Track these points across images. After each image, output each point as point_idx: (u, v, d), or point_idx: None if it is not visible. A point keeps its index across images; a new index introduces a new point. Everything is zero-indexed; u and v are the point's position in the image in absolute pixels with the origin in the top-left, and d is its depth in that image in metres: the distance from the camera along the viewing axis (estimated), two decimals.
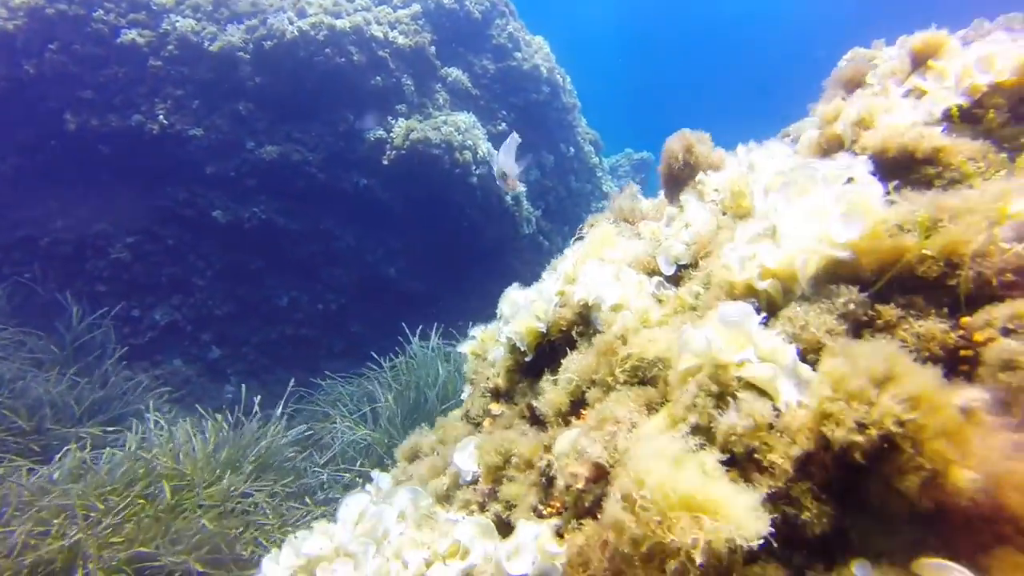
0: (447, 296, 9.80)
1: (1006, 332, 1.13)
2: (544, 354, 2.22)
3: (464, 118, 9.41)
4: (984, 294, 1.23)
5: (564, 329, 2.10)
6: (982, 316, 1.19)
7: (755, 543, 0.96)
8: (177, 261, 9.02)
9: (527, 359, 2.20)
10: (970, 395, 1.01)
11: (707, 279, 1.64)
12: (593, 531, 1.31)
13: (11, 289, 8.10)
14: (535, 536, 1.40)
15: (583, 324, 2.06)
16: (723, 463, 1.18)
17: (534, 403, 2.02)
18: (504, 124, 10.30)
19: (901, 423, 0.95)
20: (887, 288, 1.35)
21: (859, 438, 0.98)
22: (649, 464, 1.02)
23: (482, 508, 1.95)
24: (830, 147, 1.88)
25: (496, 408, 2.32)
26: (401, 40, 9.47)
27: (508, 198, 9.62)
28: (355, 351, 9.47)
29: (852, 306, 1.30)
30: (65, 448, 5.55)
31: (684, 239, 2.01)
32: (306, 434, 7.14)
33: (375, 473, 2.84)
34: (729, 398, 1.20)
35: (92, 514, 4.35)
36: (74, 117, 7.84)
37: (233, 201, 9.01)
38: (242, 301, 9.39)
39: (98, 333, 7.77)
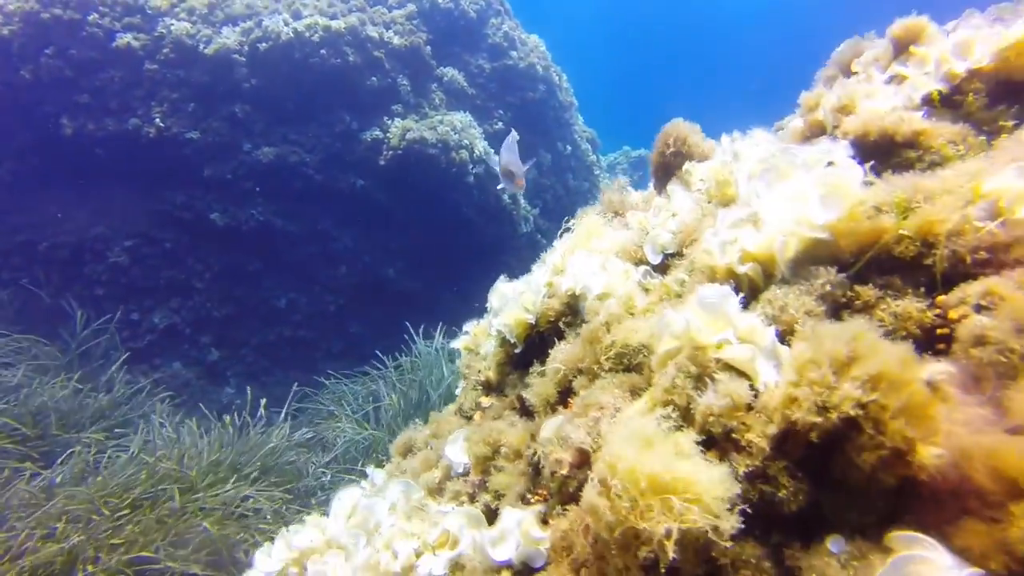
0: (445, 295, 9.81)
1: (978, 309, 1.14)
2: (534, 346, 2.23)
3: (460, 117, 9.42)
4: (959, 272, 1.23)
5: (553, 320, 2.11)
6: (957, 294, 1.20)
7: (726, 524, 0.96)
8: (175, 264, 9.04)
9: (517, 351, 2.21)
10: (936, 370, 1.02)
11: (691, 266, 1.64)
12: (576, 516, 1.31)
13: (12, 294, 8.13)
14: (518, 522, 1.40)
15: (571, 314, 2.07)
16: (702, 443, 1.19)
17: (523, 394, 2.02)
18: (500, 123, 10.31)
19: (861, 405, 0.96)
20: (866, 269, 1.36)
21: (819, 419, 0.99)
22: (621, 448, 1.03)
23: (472, 499, 1.96)
24: (813, 134, 1.89)
25: (486, 401, 2.33)
26: (396, 40, 9.49)
27: (506, 197, 9.62)
28: (354, 352, 9.48)
29: (830, 287, 1.30)
30: (68, 452, 5.58)
31: (671, 228, 2.02)
32: (307, 436, 7.16)
33: (370, 469, 2.85)
34: (708, 379, 1.20)
35: (95, 517, 4.37)
36: (71, 122, 7.87)
37: (231, 203, 9.03)
38: (240, 303, 9.41)
39: (103, 339, 7.79)
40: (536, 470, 1.72)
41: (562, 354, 1.86)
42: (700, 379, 1.22)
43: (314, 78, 8.93)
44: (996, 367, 1.05)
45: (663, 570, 0.98)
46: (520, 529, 1.37)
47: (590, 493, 1.07)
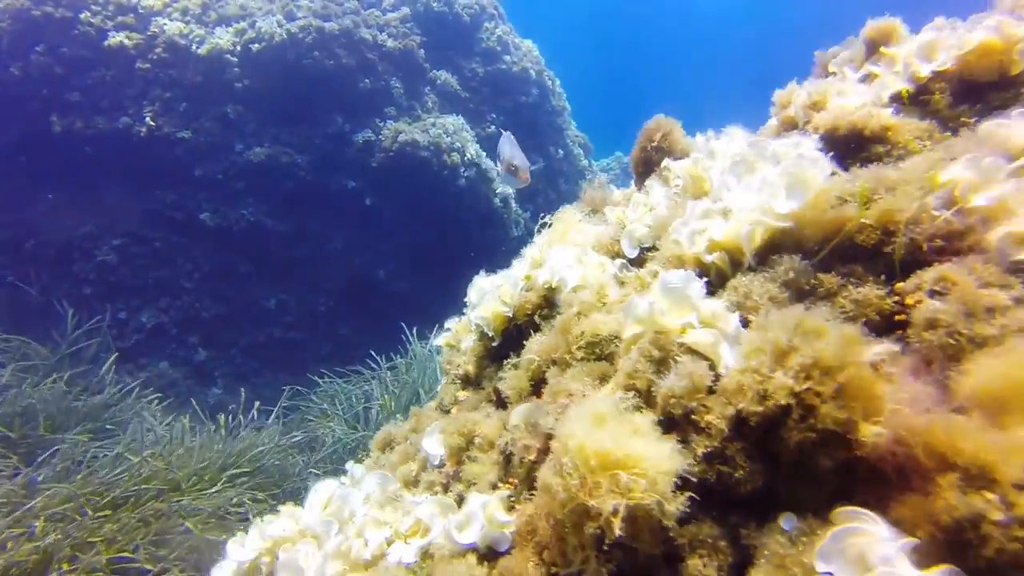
0: (436, 298, 9.81)
1: (932, 294, 1.16)
2: (512, 339, 2.24)
3: (452, 120, 9.46)
4: (917, 260, 1.26)
5: (530, 313, 2.12)
6: (913, 281, 1.22)
7: (673, 503, 0.98)
8: (164, 263, 9.00)
9: (494, 344, 2.22)
10: (878, 351, 1.04)
11: (661, 256, 1.66)
12: (540, 500, 1.32)
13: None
14: (483, 505, 1.41)
15: (548, 307, 2.08)
16: (664, 425, 1.20)
17: (499, 386, 2.03)
18: (493, 127, 10.35)
19: (795, 393, 0.98)
20: (830, 257, 1.38)
21: (759, 408, 1.02)
22: (573, 426, 1.04)
23: (446, 489, 1.96)
24: (786, 130, 1.91)
25: (462, 395, 2.34)
26: (390, 43, 9.53)
27: (497, 200, 9.65)
28: (343, 353, 9.45)
29: (793, 274, 1.32)
30: (51, 450, 5.52)
31: (647, 222, 2.04)
32: (295, 439, 7.12)
33: (349, 464, 2.84)
34: (671, 362, 1.22)
35: (76, 516, 4.32)
36: (60, 119, 7.84)
37: (221, 203, 9.01)
38: (230, 303, 9.37)
39: (94, 343, 7.72)
40: (508, 459, 1.73)
41: (537, 345, 1.87)
42: (663, 363, 1.23)
43: (307, 79, 8.95)
44: (945, 349, 1.07)
45: (607, 546, 0.99)
46: (485, 513, 1.38)
47: (545, 473, 1.08)
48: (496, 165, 3.43)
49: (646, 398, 1.24)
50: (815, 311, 1.09)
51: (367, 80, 9.25)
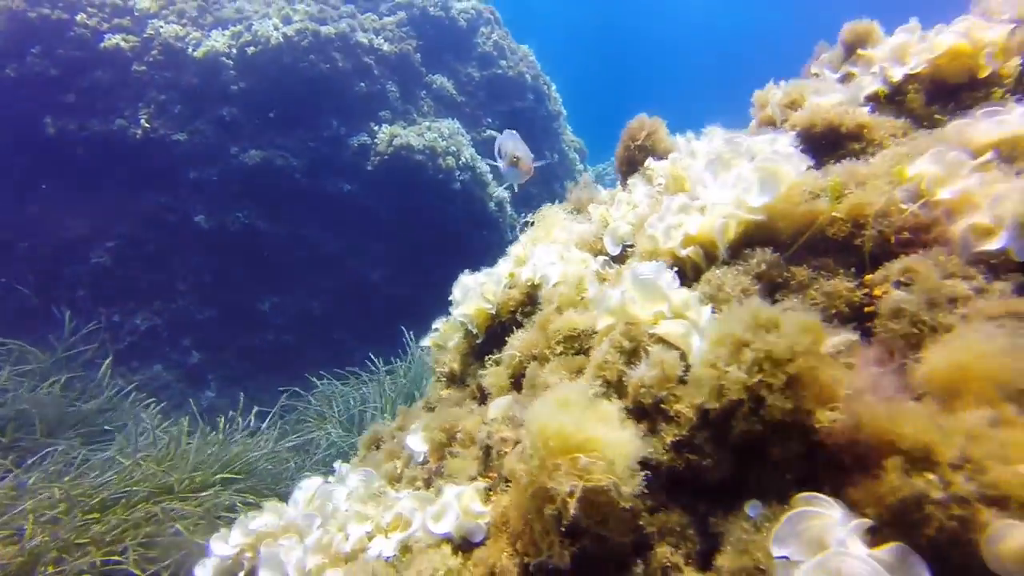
0: (431, 301, 9.80)
1: (898, 285, 1.18)
2: (496, 336, 2.25)
3: (448, 124, 9.49)
4: (886, 252, 1.27)
5: (513, 310, 2.13)
6: (881, 272, 1.24)
7: (629, 485, 0.99)
8: (158, 266, 8.99)
9: (478, 341, 2.23)
10: (836, 341, 1.05)
11: (638, 251, 1.68)
12: (511, 489, 1.33)
13: None
14: (457, 495, 1.42)
15: (531, 304, 2.09)
16: (635, 414, 1.21)
17: (481, 382, 2.04)
18: (489, 131, 10.39)
19: (748, 387, 0.99)
20: (803, 250, 1.39)
21: (716, 404, 1.03)
22: (538, 411, 1.05)
23: (427, 484, 1.97)
24: (764, 129, 1.94)
25: (446, 393, 2.35)
26: (386, 47, 9.57)
27: (492, 205, 9.68)
28: (338, 357, 9.43)
29: (765, 267, 1.34)
30: (41, 453, 5.49)
31: (630, 220, 2.05)
32: (289, 443, 7.09)
33: (337, 464, 2.85)
34: (642, 352, 1.23)
35: (63, 518, 4.30)
36: (55, 121, 7.84)
37: (216, 206, 9.00)
38: (224, 307, 9.35)
39: (91, 348, 7.68)
40: (488, 453, 1.74)
41: (518, 341, 1.88)
42: (635, 353, 1.25)
43: (303, 83, 8.98)
44: (909, 338, 1.09)
45: (568, 530, 1.00)
46: (459, 503, 1.39)
47: (510, 459, 1.09)
48: (497, 160, 3.29)
49: (617, 388, 1.25)
50: (776, 303, 1.11)
51: (363, 84, 9.28)
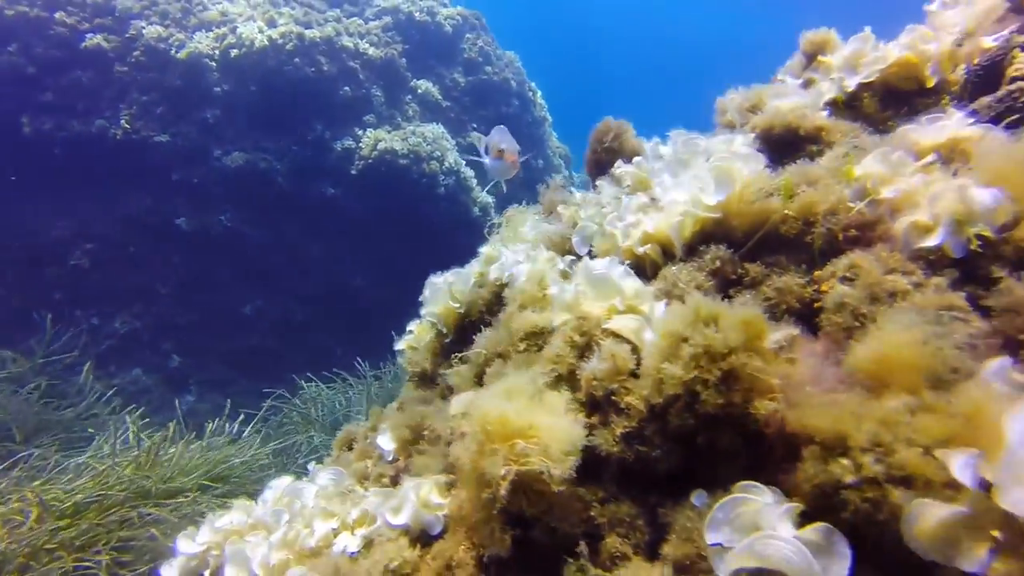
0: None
1: (843, 280, 1.21)
2: (467, 335, 2.26)
3: (432, 129, 9.51)
4: (834, 249, 1.31)
5: (483, 309, 2.15)
6: (829, 268, 1.27)
7: (565, 468, 1.00)
8: (139, 269, 8.89)
9: (447, 340, 2.25)
10: (778, 336, 1.08)
11: (598, 249, 1.70)
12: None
13: None
14: (415, 487, 1.43)
15: (500, 303, 2.11)
16: (588, 407, 1.23)
17: (448, 381, 2.05)
18: (476, 134, 10.41)
19: (684, 382, 1.02)
20: (758, 248, 1.43)
21: (659, 400, 1.06)
22: (482, 399, 1.07)
23: (394, 482, 1.97)
24: (726, 132, 1.98)
25: (417, 392, 2.35)
26: (372, 51, 9.58)
27: (476, 209, 9.70)
28: (321, 361, 9.36)
29: (719, 263, 1.37)
30: (13, 459, 5.40)
31: (597, 220, 2.08)
32: (271, 446, 7.02)
33: (311, 465, 2.83)
34: (595, 346, 1.25)
35: (34, 525, 4.22)
36: (32, 121, 7.75)
37: (198, 209, 8.94)
38: (205, 310, 9.26)
39: (71, 355, 7.56)
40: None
41: (484, 339, 1.89)
42: (588, 347, 1.27)
43: (287, 86, 8.95)
44: (851, 331, 1.12)
45: (509, 516, 1.01)
46: (418, 495, 1.40)
47: (455, 447, 1.11)
48: (483, 156, 3.20)
49: (571, 381, 1.27)
50: (729, 299, 1.13)
51: (347, 88, 9.27)
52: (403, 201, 9.29)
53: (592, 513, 1.17)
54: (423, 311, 2.30)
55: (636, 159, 1.95)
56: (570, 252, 2.15)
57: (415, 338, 2.90)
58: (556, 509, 1.08)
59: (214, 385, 9.09)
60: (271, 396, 7.51)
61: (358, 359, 7.96)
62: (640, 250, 1.48)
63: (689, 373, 1.02)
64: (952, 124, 1.37)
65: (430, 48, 10.55)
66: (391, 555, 1.30)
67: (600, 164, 2.33)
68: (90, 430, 6.48)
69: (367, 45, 9.60)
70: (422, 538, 1.40)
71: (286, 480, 2.28)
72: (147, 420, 7.50)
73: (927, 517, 0.79)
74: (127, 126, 8.14)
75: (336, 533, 1.79)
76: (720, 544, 0.93)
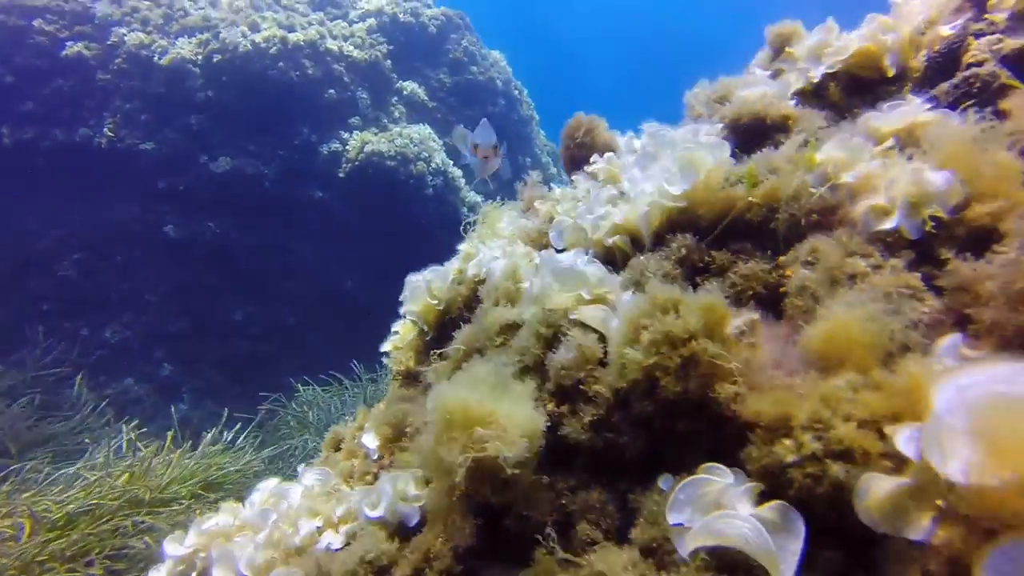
0: None
1: (805, 265, 1.23)
2: (448, 332, 2.28)
3: (419, 130, 9.51)
4: (797, 234, 1.33)
5: (462, 306, 2.16)
6: (792, 254, 1.30)
7: (517, 450, 1.02)
8: (128, 277, 8.84)
9: (428, 337, 2.26)
10: (739, 321, 1.10)
11: (568, 242, 1.72)
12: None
13: None
14: (393, 480, 1.44)
15: (478, 300, 2.12)
16: (558, 397, 1.25)
17: (428, 377, 2.06)
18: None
19: (645, 367, 1.04)
20: (725, 235, 1.45)
21: (624, 385, 1.08)
22: (444, 388, 1.08)
23: (377, 479, 1.98)
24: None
25: (401, 391, 2.37)
26: (357, 54, 9.56)
27: (464, 209, 9.70)
28: (314, 365, 9.35)
29: (685, 251, 1.39)
30: (4, 471, 5.37)
31: (573, 214, 2.10)
32: (265, 453, 7.01)
33: (300, 467, 2.84)
34: (561, 337, 1.27)
35: (26, 541, 4.20)
36: (12, 131, 7.69)
37: (186, 216, 8.90)
38: (196, 318, 9.22)
39: (63, 370, 7.52)
40: None
41: (462, 335, 1.90)
42: (555, 339, 1.28)
43: (272, 90, 8.93)
44: (810, 314, 1.14)
45: (458, 497, 1.03)
46: (394, 488, 1.41)
47: (419, 438, 1.12)
48: (465, 152, 3.19)
49: (541, 373, 1.28)
50: (697, 287, 1.15)
51: (333, 91, 9.26)
52: (391, 202, 9.29)
53: (563, 501, 1.19)
54: (403, 309, 2.32)
55: (608, 154, 1.97)
56: (548, 246, 2.17)
57: (400, 338, 2.92)
58: (524, 498, 1.09)
59: (207, 392, 9.07)
60: (266, 400, 7.49)
61: (354, 361, 7.96)
62: (609, 241, 1.49)
63: (649, 359, 1.04)
64: (911, 110, 1.40)
65: (415, 49, 10.54)
66: (367, 547, 1.31)
67: (574, 160, 2.35)
68: (87, 440, 6.46)
69: (352, 47, 9.58)
70: (401, 531, 1.41)
71: (273, 482, 2.29)
72: (144, 430, 7.48)
73: (875, 491, 0.81)
74: (111, 134, 8.10)
75: (320, 531, 1.81)
76: (682, 524, 0.95)
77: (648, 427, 1.15)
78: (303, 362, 9.56)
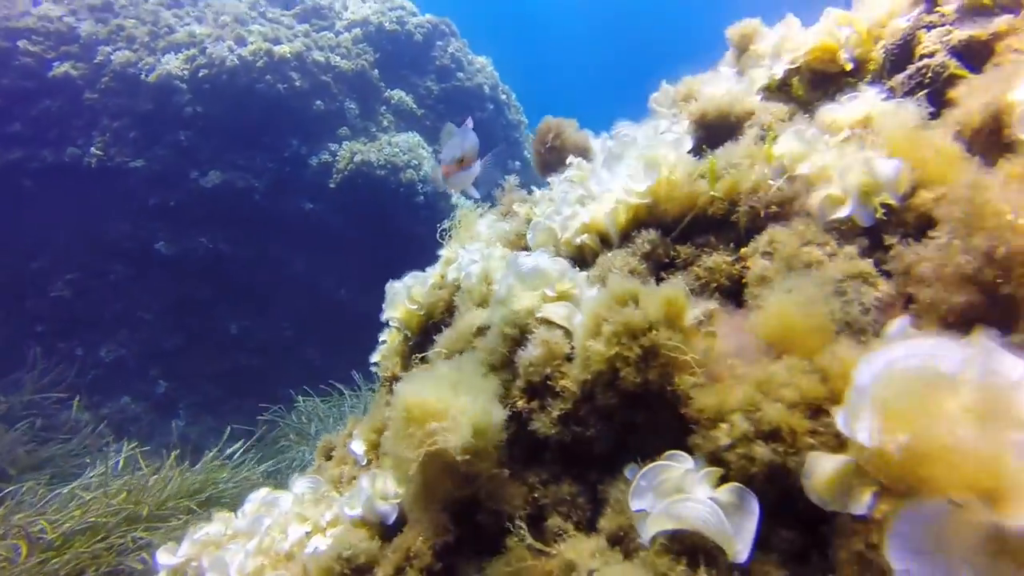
0: None
1: (764, 255, 1.27)
2: (431, 337, 2.31)
3: (407, 138, 9.55)
4: (758, 226, 1.36)
5: (444, 310, 2.19)
6: (753, 245, 1.33)
7: (461, 435, 1.04)
8: (121, 296, 8.84)
9: (411, 343, 2.29)
10: (696, 312, 1.13)
11: (537, 241, 1.75)
12: None
13: None
14: (371, 478, 1.46)
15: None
16: (528, 393, 1.28)
17: None
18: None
19: (608, 358, 1.07)
20: (689, 230, 1.48)
21: (588, 376, 1.11)
22: (406, 386, 1.11)
23: None
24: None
25: (385, 397, 2.39)
26: (343, 64, 9.61)
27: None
28: (311, 377, 9.35)
29: (649, 246, 1.42)
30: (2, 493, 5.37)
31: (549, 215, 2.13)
32: (265, 467, 7.01)
33: (294, 477, 2.86)
34: (529, 335, 1.30)
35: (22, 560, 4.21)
36: (0, 153, 7.72)
37: (178, 232, 8.91)
38: (192, 333, 9.22)
39: (60, 396, 7.51)
40: None
41: (443, 338, 1.93)
42: (523, 338, 1.31)
43: (260, 103, 8.96)
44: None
45: (417, 491, 1.05)
46: (372, 486, 1.43)
47: (385, 435, 1.15)
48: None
49: (511, 371, 1.31)
50: (662, 281, 1.18)
51: (321, 102, 9.30)
52: (382, 211, 9.32)
53: (536, 495, 1.22)
54: (384, 316, 2.34)
55: (577, 160, 2.00)
56: (527, 248, 2.21)
57: (387, 346, 2.94)
58: (491, 491, 1.12)
59: (204, 408, 9.06)
60: (265, 411, 7.49)
61: (354, 371, 7.96)
62: (578, 241, 1.53)
63: (611, 350, 1.07)
64: (865, 101, 1.43)
65: (402, 57, 10.59)
66: (344, 544, 1.33)
67: (546, 164, 2.39)
68: (87, 460, 6.46)
69: (338, 58, 9.63)
70: (384, 532, 1.43)
71: (263, 491, 2.31)
72: (146, 448, 7.46)
73: (821, 470, 0.84)
74: (100, 153, 8.12)
75: (309, 536, 1.83)
76: (644, 510, 0.98)
77: (613, 419, 1.17)
78: (300, 374, 9.56)
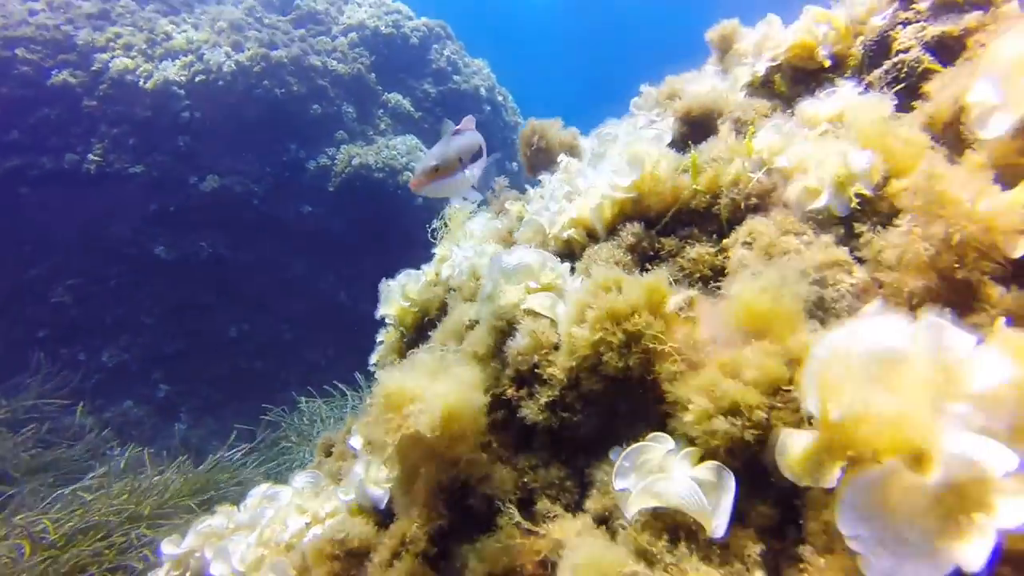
0: None
1: (744, 245, 1.31)
2: (427, 334, 2.35)
3: (405, 140, 9.61)
4: (738, 217, 1.41)
5: (439, 308, 2.24)
6: (734, 236, 1.37)
7: (431, 416, 1.08)
8: (122, 300, 8.89)
9: (406, 339, 2.33)
10: (677, 299, 1.18)
11: (526, 237, 1.79)
12: None
13: None
14: (365, 465, 1.51)
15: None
16: (517, 383, 1.32)
17: None
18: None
19: (592, 343, 1.11)
20: (673, 223, 1.52)
21: (574, 363, 1.15)
22: (388, 374, 1.15)
23: None
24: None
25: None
26: (340, 68, 9.67)
27: None
28: (311, 379, 9.39)
29: (634, 239, 1.46)
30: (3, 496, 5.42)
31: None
32: (268, 469, 7.04)
33: (294, 472, 2.90)
34: (516, 327, 1.34)
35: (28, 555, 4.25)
36: (1, 160, 7.77)
37: (177, 236, 8.96)
38: (193, 337, 9.27)
39: (63, 402, 7.56)
40: None
41: (437, 333, 1.97)
42: (511, 330, 1.36)
43: (258, 108, 9.02)
44: None
45: (401, 475, 1.09)
46: (365, 471, 1.48)
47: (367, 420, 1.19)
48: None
49: (501, 361, 1.35)
50: (647, 272, 1.23)
51: (318, 106, 9.35)
52: (381, 213, 9.37)
53: (526, 479, 1.26)
54: (378, 314, 2.39)
55: (567, 159, 2.04)
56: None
57: (384, 346, 2.99)
58: (478, 475, 1.16)
59: (206, 410, 9.10)
60: (267, 412, 7.52)
61: (356, 373, 7.99)
62: (565, 235, 1.57)
63: (595, 335, 1.11)
64: (843, 96, 1.48)
65: (399, 61, 10.65)
66: (337, 527, 1.37)
67: (533, 165, 2.44)
68: (91, 463, 6.51)
69: (335, 62, 9.69)
70: (380, 519, 1.48)
71: (264, 486, 2.36)
72: (150, 451, 7.50)
73: (792, 447, 0.88)
74: (99, 159, 8.17)
75: (309, 527, 1.87)
76: (627, 489, 1.02)
77: (598, 404, 1.22)
78: (300, 376, 9.61)
